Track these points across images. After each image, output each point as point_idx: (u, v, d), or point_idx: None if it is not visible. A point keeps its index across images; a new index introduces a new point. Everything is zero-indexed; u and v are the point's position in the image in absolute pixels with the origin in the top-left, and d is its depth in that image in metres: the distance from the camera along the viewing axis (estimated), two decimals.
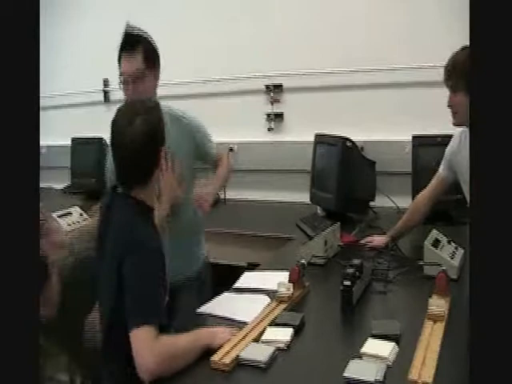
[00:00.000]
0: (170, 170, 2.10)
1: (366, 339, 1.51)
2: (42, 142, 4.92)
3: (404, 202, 2.95)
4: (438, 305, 1.64)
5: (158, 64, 2.07)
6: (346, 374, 1.35)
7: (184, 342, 1.52)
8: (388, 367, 1.39)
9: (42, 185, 4.91)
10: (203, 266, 2.33)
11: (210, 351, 1.52)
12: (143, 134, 1.55)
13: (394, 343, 1.48)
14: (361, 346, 1.47)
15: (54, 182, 4.81)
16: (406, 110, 3.30)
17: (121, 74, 2.00)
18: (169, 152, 2.10)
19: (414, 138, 3.06)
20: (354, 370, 1.36)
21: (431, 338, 1.52)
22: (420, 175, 2.89)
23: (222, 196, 3.56)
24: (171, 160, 2.10)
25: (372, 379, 1.32)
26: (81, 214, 3.20)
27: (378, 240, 2.41)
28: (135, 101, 1.67)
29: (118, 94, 4.40)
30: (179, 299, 2.23)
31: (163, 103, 2.15)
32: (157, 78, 2.07)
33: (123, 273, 1.49)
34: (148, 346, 1.41)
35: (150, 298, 1.49)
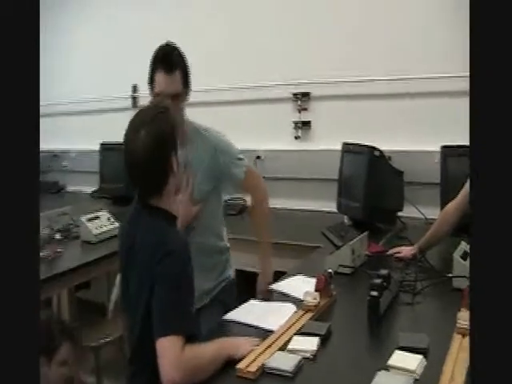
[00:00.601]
0: (186, 188, 2.07)
1: (392, 351, 1.50)
2: (72, 147, 5.07)
3: (432, 212, 2.92)
4: (466, 318, 1.61)
5: (190, 84, 2.09)
6: None
7: (208, 353, 1.51)
8: (415, 381, 1.37)
9: (71, 188, 5.06)
10: (226, 287, 2.31)
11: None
12: (148, 146, 1.51)
13: (421, 356, 1.46)
14: (387, 358, 1.46)
15: (83, 186, 4.88)
16: (435, 120, 3.26)
17: (157, 94, 2.01)
18: (187, 170, 2.12)
19: (443, 148, 3.03)
20: (380, 382, 1.35)
21: (460, 352, 1.50)
22: (449, 186, 2.86)
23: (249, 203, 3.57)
24: (188, 178, 2.11)
25: None
26: (108, 219, 3.24)
27: (405, 251, 2.39)
28: (144, 109, 1.62)
29: (146, 100, 4.47)
30: (199, 318, 2.23)
31: (189, 119, 2.17)
32: (188, 97, 2.10)
33: (153, 283, 1.48)
34: (173, 358, 1.40)
35: (179, 308, 1.47)
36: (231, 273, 2.37)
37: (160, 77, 2.00)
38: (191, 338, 1.47)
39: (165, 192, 1.58)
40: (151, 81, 2.04)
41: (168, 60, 2.00)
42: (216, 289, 2.26)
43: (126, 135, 1.56)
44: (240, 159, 2.24)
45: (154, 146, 1.52)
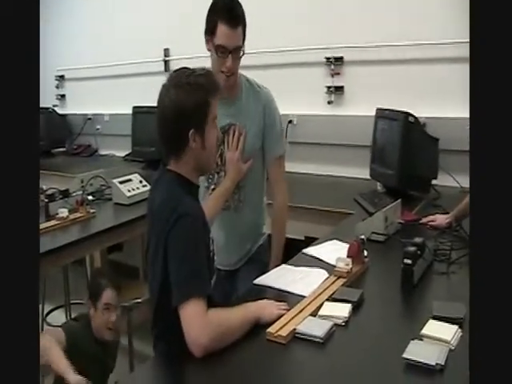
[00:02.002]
0: (234, 144, 2.08)
1: (426, 320, 1.47)
2: (105, 111, 5.11)
3: (468, 181, 2.84)
4: None
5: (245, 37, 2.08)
6: (405, 356, 1.33)
7: (234, 316, 1.51)
8: (450, 351, 1.35)
9: (103, 152, 5.15)
10: (262, 246, 2.34)
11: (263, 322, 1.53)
12: (170, 107, 1.52)
13: (457, 327, 1.44)
14: (421, 327, 1.44)
15: (116, 149, 4.93)
16: None
17: (219, 46, 1.99)
18: (236, 126, 2.11)
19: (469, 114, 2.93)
20: (414, 351, 1.33)
21: None
22: None
23: None
24: (238, 134, 2.11)
25: (433, 363, 1.29)
26: (140, 181, 3.26)
27: (440, 219, 2.34)
28: (185, 69, 1.60)
29: (178, 64, 4.50)
30: (237, 277, 2.26)
31: (243, 74, 2.19)
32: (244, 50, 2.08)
33: (167, 247, 1.48)
34: (199, 321, 1.39)
35: (194, 271, 1.46)
36: (266, 231, 2.38)
37: (223, 30, 1.97)
38: (209, 300, 1.47)
39: (183, 160, 1.58)
40: (210, 32, 2.00)
41: (233, 14, 1.97)
42: (253, 248, 2.30)
43: (160, 90, 1.58)
44: (282, 135, 2.27)
45: (177, 110, 1.52)
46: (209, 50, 2.03)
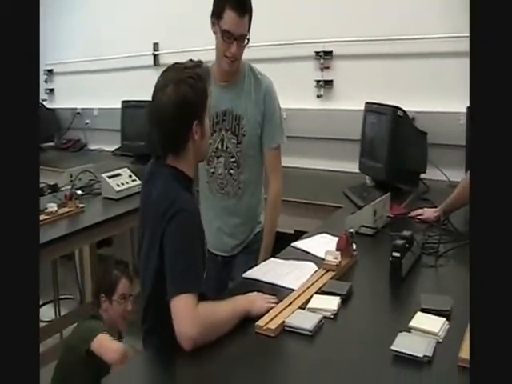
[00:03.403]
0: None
1: (414, 313, 1.48)
2: (94, 105, 5.08)
3: (456, 175, 2.87)
4: None
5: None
6: (393, 348, 1.33)
7: (223, 309, 1.52)
8: (437, 343, 1.36)
9: (93, 146, 5.12)
10: (259, 234, 2.35)
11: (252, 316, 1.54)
12: (171, 104, 1.51)
13: (444, 319, 1.45)
14: (409, 320, 1.44)
15: (105, 144, 4.90)
16: (460, 80, 3.15)
17: (224, 31, 2.02)
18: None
19: (469, 108, 2.95)
20: (402, 343, 1.34)
21: None
22: None
23: None
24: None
25: (421, 355, 1.30)
26: (130, 176, 3.25)
27: (428, 212, 2.35)
28: (179, 66, 1.59)
29: (167, 58, 4.49)
30: (233, 265, 2.28)
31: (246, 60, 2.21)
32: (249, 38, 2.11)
33: (163, 241, 1.48)
34: (189, 315, 1.40)
35: (189, 266, 1.47)
36: (263, 220, 2.38)
37: (231, 17, 2.01)
38: (200, 295, 1.47)
39: (182, 155, 1.58)
40: (217, 15, 2.03)
41: (242, 3, 2.01)
42: (251, 235, 2.33)
43: (155, 87, 1.56)
44: (281, 124, 2.26)
45: (179, 105, 1.51)
46: (214, 32, 2.07)
